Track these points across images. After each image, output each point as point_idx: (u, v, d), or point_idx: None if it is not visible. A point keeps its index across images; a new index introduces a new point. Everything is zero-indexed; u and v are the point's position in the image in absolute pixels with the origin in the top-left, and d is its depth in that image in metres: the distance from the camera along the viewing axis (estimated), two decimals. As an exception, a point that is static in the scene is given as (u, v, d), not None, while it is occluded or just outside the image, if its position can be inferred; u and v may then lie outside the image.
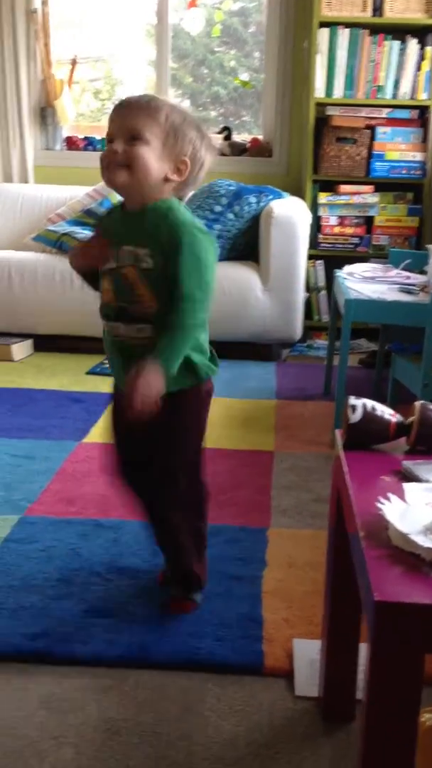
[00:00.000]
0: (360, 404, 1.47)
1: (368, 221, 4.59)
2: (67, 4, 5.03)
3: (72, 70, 4.88)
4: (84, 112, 5.82)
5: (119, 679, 1.71)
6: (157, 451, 1.83)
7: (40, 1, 4.67)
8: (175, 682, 1.71)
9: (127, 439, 1.89)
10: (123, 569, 2.12)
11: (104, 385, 3.67)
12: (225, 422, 3.28)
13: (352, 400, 1.48)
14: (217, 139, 4.89)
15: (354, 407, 1.47)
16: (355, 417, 1.46)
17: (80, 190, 4.60)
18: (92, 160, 4.91)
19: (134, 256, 1.71)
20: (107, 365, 3.90)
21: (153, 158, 1.68)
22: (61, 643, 1.80)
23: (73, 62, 4.89)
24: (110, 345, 1.84)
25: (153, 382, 1.64)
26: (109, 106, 7.59)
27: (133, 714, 1.60)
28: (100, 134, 5.11)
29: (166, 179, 1.72)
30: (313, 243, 4.46)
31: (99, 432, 3.11)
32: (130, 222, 1.75)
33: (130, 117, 1.68)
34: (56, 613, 1.91)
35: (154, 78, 5.98)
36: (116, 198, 4.33)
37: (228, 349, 4.20)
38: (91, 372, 3.86)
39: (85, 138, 4.98)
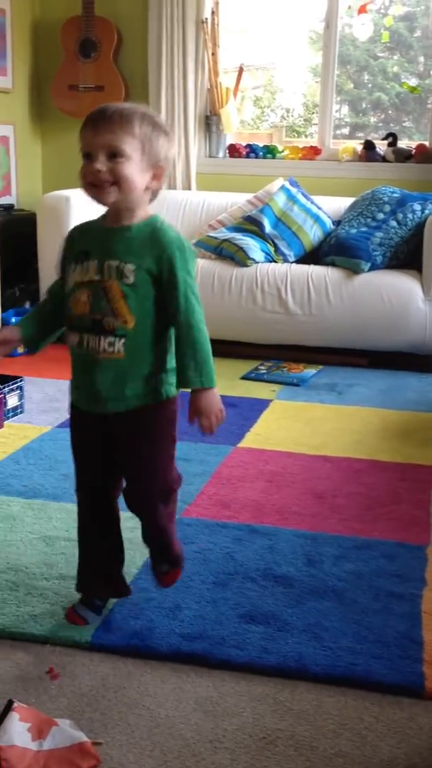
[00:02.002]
0: None
1: None
2: (234, 13, 5.09)
3: (238, 79, 4.94)
4: (245, 120, 5.87)
5: (275, 688, 1.70)
6: (136, 471, 1.86)
7: (210, 11, 4.75)
8: (331, 696, 1.68)
9: (92, 461, 1.90)
10: (278, 577, 2.10)
11: (258, 391, 3.70)
12: (381, 434, 3.21)
13: None
14: (382, 146, 4.82)
15: None
16: None
17: (241, 197, 4.64)
18: (254, 167, 4.96)
19: (119, 271, 1.72)
20: (263, 371, 3.95)
21: (136, 172, 1.69)
22: (217, 646, 1.80)
23: (240, 70, 4.94)
24: (77, 358, 1.83)
25: (212, 402, 1.73)
26: (269, 114, 7.65)
27: (289, 725, 1.59)
28: (261, 141, 5.14)
29: (147, 188, 1.74)
30: None
31: (254, 437, 3.12)
32: (116, 237, 1.75)
33: (107, 132, 1.66)
34: (212, 615, 1.92)
35: (314, 85, 5.96)
36: (277, 206, 4.35)
37: (385, 359, 4.15)
38: (246, 377, 3.89)
39: (248, 145, 5.02)
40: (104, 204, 1.73)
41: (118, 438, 1.83)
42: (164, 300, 1.73)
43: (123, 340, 1.73)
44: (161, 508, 1.88)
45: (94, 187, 1.69)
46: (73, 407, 1.90)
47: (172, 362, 1.79)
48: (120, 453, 1.85)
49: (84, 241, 1.79)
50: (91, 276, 1.74)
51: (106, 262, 1.72)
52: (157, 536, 1.94)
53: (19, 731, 1.47)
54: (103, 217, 1.81)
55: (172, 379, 1.80)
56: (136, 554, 2.19)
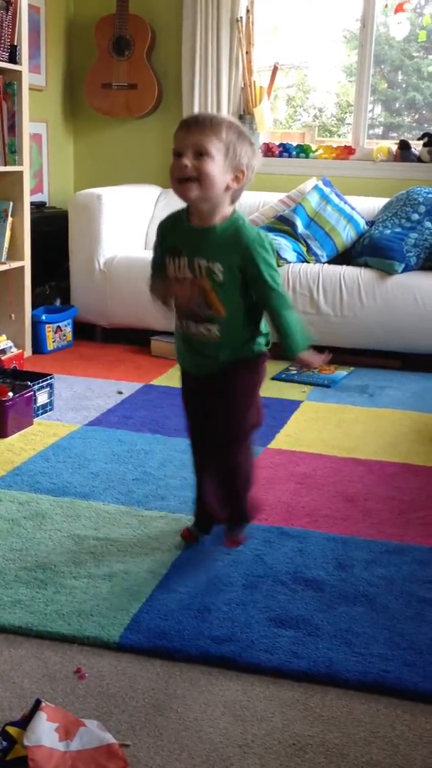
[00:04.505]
0: None
1: None
2: (269, 12, 5.06)
3: (272, 78, 4.91)
4: (278, 119, 5.84)
5: (305, 693, 1.67)
6: (232, 405, 2.11)
7: (245, 10, 4.73)
8: (362, 703, 1.65)
9: (200, 413, 2.19)
10: (308, 581, 2.07)
11: (289, 392, 3.67)
12: (413, 437, 3.17)
13: None
14: (417, 146, 4.76)
15: None
16: None
17: (273, 197, 4.61)
18: (287, 166, 4.93)
19: (209, 270, 1.96)
20: (293, 372, 3.92)
21: (218, 171, 1.90)
22: (246, 650, 1.78)
23: (275, 69, 4.91)
24: (181, 338, 2.12)
25: (310, 356, 2.09)
26: (302, 114, 7.60)
27: (319, 732, 1.56)
28: (294, 141, 5.11)
29: (227, 188, 1.93)
30: None
31: (284, 439, 3.10)
32: (202, 237, 1.98)
33: (196, 134, 1.89)
34: (241, 618, 1.90)
35: (347, 84, 5.91)
36: (310, 206, 4.31)
37: (418, 361, 4.10)
38: (276, 378, 3.85)
39: (281, 145, 4.99)
40: (187, 199, 1.94)
41: (215, 387, 2.10)
42: (251, 289, 1.99)
43: (217, 326, 2.02)
44: (241, 447, 2.16)
45: (179, 183, 1.91)
46: (182, 371, 2.20)
47: (261, 328, 2.08)
48: (214, 399, 2.12)
49: (174, 237, 2.04)
50: (185, 274, 1.99)
51: (196, 261, 1.97)
52: (236, 473, 2.17)
53: (46, 731, 1.46)
54: (188, 213, 2.02)
55: (261, 339, 2.09)
56: (165, 555, 2.17)
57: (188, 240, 1.99)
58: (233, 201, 2.00)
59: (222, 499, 2.24)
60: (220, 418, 2.12)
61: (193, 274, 1.98)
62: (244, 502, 2.22)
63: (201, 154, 1.88)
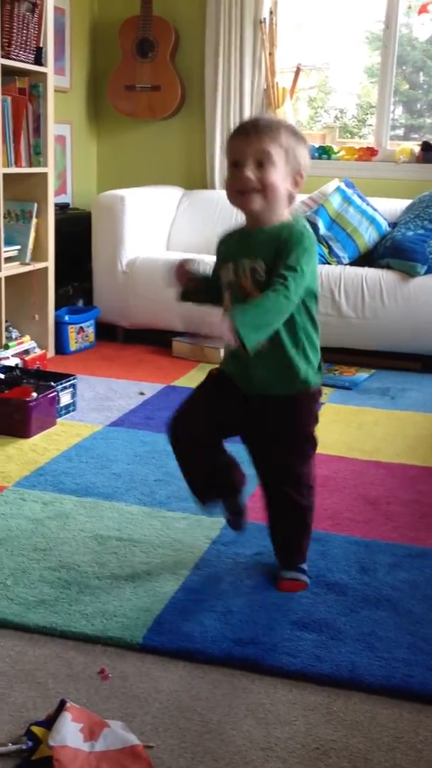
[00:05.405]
0: None
1: None
2: (292, 13, 5.06)
3: (295, 79, 4.91)
4: (300, 120, 5.83)
5: (328, 697, 1.67)
6: (274, 443, 2.00)
7: (269, 11, 4.73)
8: (385, 708, 1.64)
9: (218, 414, 2.01)
10: (331, 584, 2.07)
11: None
12: (436, 440, 3.16)
13: None
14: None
15: None
16: None
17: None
18: (311, 168, 4.91)
19: (252, 269, 1.85)
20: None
21: (280, 179, 1.80)
22: (269, 653, 1.78)
23: (297, 71, 4.91)
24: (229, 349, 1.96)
25: (228, 327, 1.72)
26: (323, 115, 7.59)
27: (343, 736, 1.56)
28: (315, 142, 5.10)
29: (288, 193, 1.85)
30: None
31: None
32: (251, 238, 1.88)
33: (257, 142, 1.79)
34: (263, 621, 1.90)
35: (368, 85, 5.89)
36: (332, 207, 4.30)
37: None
38: (298, 380, 3.85)
39: (303, 146, 4.98)
40: (248, 211, 1.85)
41: (257, 415, 1.97)
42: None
43: None
44: (299, 485, 2.06)
45: (241, 194, 1.82)
46: (230, 375, 2.02)
47: (312, 354, 1.93)
48: (252, 427, 2.01)
49: (228, 246, 1.96)
50: (230, 277, 1.89)
51: (240, 260, 1.86)
52: (293, 512, 2.07)
53: (71, 731, 1.47)
54: (244, 225, 1.93)
55: (313, 369, 1.94)
56: (187, 556, 2.18)
57: (238, 244, 1.91)
58: (290, 203, 1.88)
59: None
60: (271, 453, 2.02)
61: (236, 275, 1.87)
62: (304, 542, 2.12)
63: (262, 162, 1.78)
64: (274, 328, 1.80)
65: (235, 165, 1.81)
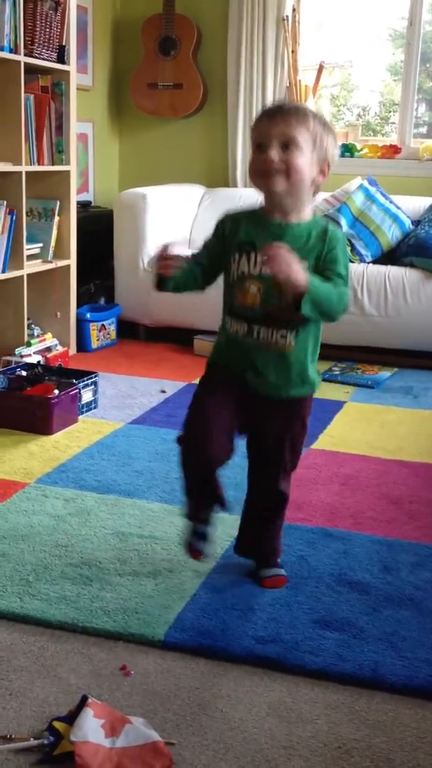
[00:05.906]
0: None
1: None
2: (315, 11, 5.04)
3: (318, 77, 4.89)
4: (323, 118, 5.81)
5: (350, 696, 1.66)
6: (279, 443, 1.95)
7: (291, 8, 4.71)
8: (408, 708, 1.63)
9: (227, 419, 1.91)
10: (353, 583, 2.06)
11: (332, 392, 3.65)
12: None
13: None
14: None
15: None
16: None
17: (318, 196, 4.55)
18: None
19: None
20: (336, 372, 3.89)
21: (306, 164, 1.74)
22: (291, 651, 1.77)
23: (320, 68, 4.89)
24: (238, 345, 1.87)
25: (298, 268, 1.68)
26: (345, 112, 7.55)
27: (365, 736, 1.55)
28: (338, 140, 5.07)
29: (313, 182, 1.78)
30: None
31: (328, 439, 3.08)
32: (287, 233, 1.79)
33: (283, 124, 1.73)
34: (285, 619, 1.89)
35: (391, 83, 5.85)
36: (355, 205, 4.28)
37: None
38: (320, 378, 3.84)
39: (325, 144, 4.96)
40: (271, 192, 1.77)
41: (263, 415, 1.93)
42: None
43: (294, 333, 1.82)
44: (287, 485, 2.04)
45: (264, 176, 1.75)
46: (214, 366, 1.99)
47: (316, 358, 1.91)
48: (256, 424, 1.95)
49: (249, 232, 1.83)
50: (262, 270, 1.78)
51: None
52: (275, 509, 2.06)
53: (93, 727, 1.47)
54: (263, 209, 1.84)
55: (316, 371, 1.93)
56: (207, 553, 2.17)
57: (268, 235, 1.78)
58: (315, 194, 1.84)
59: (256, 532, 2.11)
60: (270, 452, 1.99)
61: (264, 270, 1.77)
62: (278, 539, 2.12)
63: (288, 145, 1.72)
64: (320, 316, 1.78)
65: (259, 147, 1.75)
